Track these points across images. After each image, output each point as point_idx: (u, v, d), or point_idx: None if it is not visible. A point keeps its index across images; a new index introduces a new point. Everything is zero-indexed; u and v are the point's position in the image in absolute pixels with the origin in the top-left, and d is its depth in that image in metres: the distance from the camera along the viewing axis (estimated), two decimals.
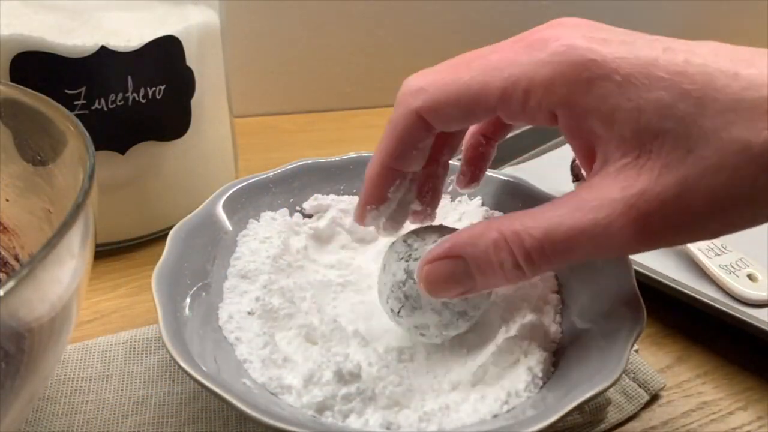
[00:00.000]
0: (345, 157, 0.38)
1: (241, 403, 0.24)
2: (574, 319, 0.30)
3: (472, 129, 0.32)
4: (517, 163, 0.49)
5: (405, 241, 0.29)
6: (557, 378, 0.28)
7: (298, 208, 0.36)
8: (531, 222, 0.24)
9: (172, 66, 0.39)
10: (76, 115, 0.26)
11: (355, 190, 0.37)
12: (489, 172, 0.37)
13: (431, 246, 0.27)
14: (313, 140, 0.58)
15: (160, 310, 0.27)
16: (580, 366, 0.27)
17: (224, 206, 0.34)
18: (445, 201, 0.36)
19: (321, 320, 0.31)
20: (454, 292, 0.26)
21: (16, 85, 0.28)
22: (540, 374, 0.27)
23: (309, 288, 0.32)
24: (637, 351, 0.35)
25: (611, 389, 0.27)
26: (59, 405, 0.30)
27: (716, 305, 0.35)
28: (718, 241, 0.39)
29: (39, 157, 0.27)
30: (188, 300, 0.29)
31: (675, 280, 0.36)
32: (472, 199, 0.37)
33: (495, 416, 0.26)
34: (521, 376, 0.27)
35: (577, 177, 0.43)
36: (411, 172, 0.29)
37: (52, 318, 0.20)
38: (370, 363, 0.28)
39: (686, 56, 0.23)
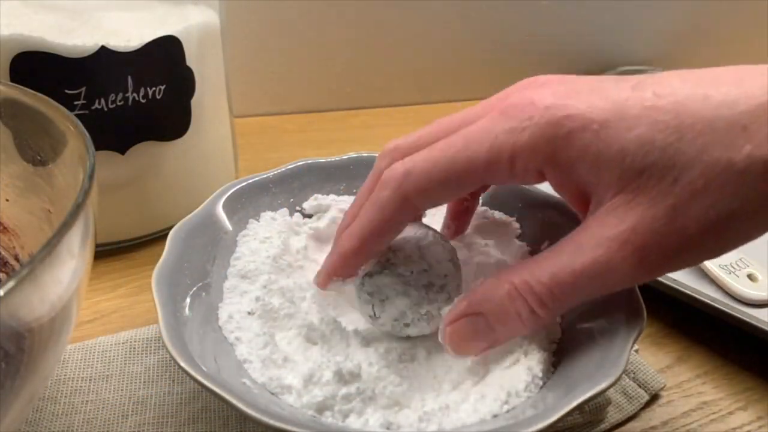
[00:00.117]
0: (345, 157, 0.38)
1: (241, 403, 0.24)
2: (574, 319, 0.30)
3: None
4: None
5: None
6: (557, 378, 0.28)
7: (298, 208, 0.36)
8: (538, 270, 0.25)
9: (172, 66, 0.39)
10: (76, 115, 0.26)
11: (354, 190, 0.37)
12: None
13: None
14: (313, 140, 0.58)
15: (160, 310, 0.27)
16: (580, 366, 0.27)
17: (224, 206, 0.34)
18: None
19: (321, 320, 0.31)
20: (480, 348, 0.27)
21: (16, 85, 0.28)
22: (540, 374, 0.27)
23: (309, 288, 0.32)
24: (637, 351, 0.35)
25: (611, 389, 0.27)
26: (59, 405, 0.30)
27: (716, 305, 0.35)
28: None
29: (39, 157, 0.27)
30: (188, 300, 0.29)
31: (675, 280, 0.36)
32: None
33: (495, 416, 0.26)
34: (521, 376, 0.27)
35: None
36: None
37: (52, 318, 0.20)
38: (370, 363, 0.28)
39: (654, 89, 0.24)
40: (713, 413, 0.32)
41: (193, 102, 0.41)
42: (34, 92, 0.27)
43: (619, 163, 0.24)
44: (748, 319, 0.34)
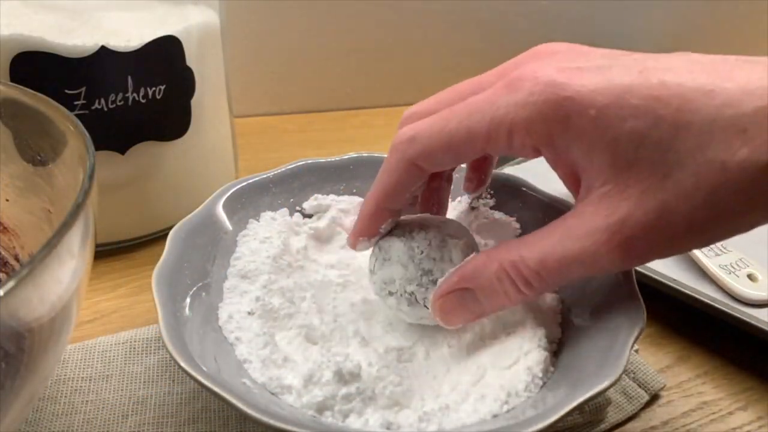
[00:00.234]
0: (345, 157, 0.38)
1: (241, 403, 0.24)
2: (574, 319, 0.30)
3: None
4: (518, 163, 0.49)
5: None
6: (557, 378, 0.28)
7: (298, 208, 0.36)
8: (526, 252, 0.26)
9: (172, 66, 0.39)
10: (76, 115, 0.26)
11: (354, 190, 0.37)
12: None
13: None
14: (313, 140, 0.58)
15: (160, 310, 0.27)
16: (580, 366, 0.27)
17: (224, 206, 0.34)
18: None
19: (321, 320, 0.31)
20: (467, 318, 0.28)
21: (16, 85, 0.28)
22: (540, 374, 0.27)
23: (309, 288, 0.32)
24: (637, 351, 0.35)
25: (611, 389, 0.27)
26: (59, 405, 0.30)
27: (716, 305, 0.35)
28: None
29: (39, 157, 0.27)
30: (188, 300, 0.29)
31: (675, 280, 0.36)
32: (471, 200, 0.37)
33: (495, 416, 0.26)
34: (521, 376, 0.27)
35: None
36: (402, 209, 0.31)
37: (52, 318, 0.20)
38: (370, 363, 0.28)
39: (661, 76, 0.24)
40: (713, 413, 0.32)
41: (193, 102, 0.41)
42: (34, 92, 0.27)
43: (611, 152, 0.24)
44: (748, 319, 0.34)
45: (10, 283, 0.17)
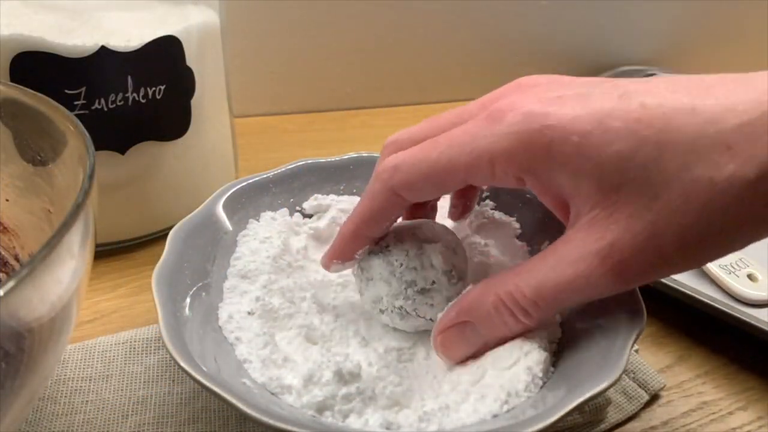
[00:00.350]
0: (345, 157, 0.38)
1: (241, 403, 0.24)
2: (574, 320, 0.30)
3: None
4: None
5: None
6: (557, 378, 0.28)
7: (298, 208, 0.36)
8: (521, 281, 0.26)
9: (172, 66, 0.39)
10: (76, 115, 0.26)
11: (354, 190, 0.37)
12: None
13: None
14: (313, 140, 0.58)
15: (160, 310, 0.27)
16: (580, 366, 0.27)
17: (224, 206, 0.34)
18: None
19: (321, 320, 0.31)
20: (469, 351, 0.28)
21: (16, 85, 0.28)
22: (540, 374, 0.27)
23: (309, 288, 0.32)
24: (637, 351, 0.35)
25: (611, 389, 0.27)
26: (59, 405, 0.30)
27: (716, 305, 0.35)
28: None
29: (39, 157, 0.27)
30: (188, 300, 0.29)
31: (675, 280, 0.36)
32: None
33: (495, 416, 0.26)
34: (521, 376, 0.27)
35: None
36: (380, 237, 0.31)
37: (52, 318, 0.20)
38: (370, 363, 0.28)
39: (642, 99, 0.24)
40: (713, 413, 0.32)
41: (193, 102, 0.41)
42: (34, 92, 0.27)
43: (597, 178, 0.24)
44: (748, 319, 0.34)
45: (10, 283, 0.17)
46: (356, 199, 0.37)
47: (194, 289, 0.30)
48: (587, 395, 0.24)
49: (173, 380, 0.31)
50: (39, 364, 0.21)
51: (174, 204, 0.42)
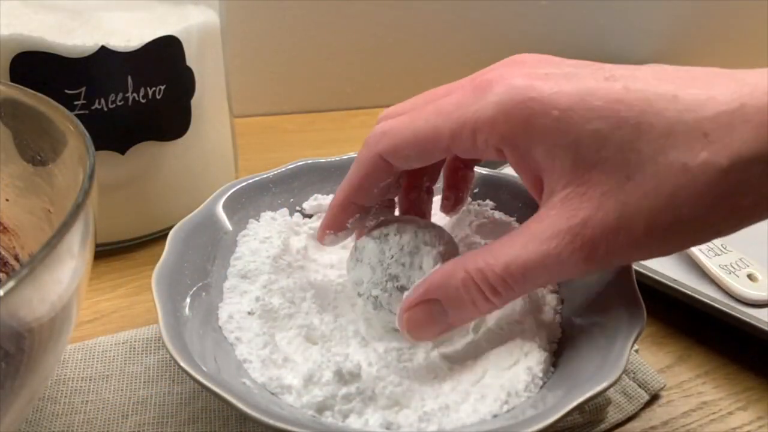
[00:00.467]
0: (345, 157, 0.38)
1: (241, 403, 0.24)
2: (574, 319, 0.30)
3: (449, 156, 0.33)
4: None
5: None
6: (557, 378, 0.28)
7: (298, 208, 0.36)
8: (492, 259, 0.26)
9: (172, 66, 0.39)
10: (76, 115, 0.26)
11: None
12: (489, 172, 0.37)
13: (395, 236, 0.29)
14: (313, 140, 0.58)
15: (160, 310, 0.27)
16: (580, 366, 0.27)
17: (224, 206, 0.34)
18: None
19: (321, 320, 0.31)
20: (434, 332, 0.28)
21: (16, 85, 0.28)
22: (540, 374, 0.27)
23: (309, 288, 0.32)
24: (637, 351, 0.35)
25: (611, 389, 0.27)
26: (59, 405, 0.30)
27: (716, 305, 0.35)
28: (718, 241, 0.39)
29: (39, 157, 0.27)
30: (188, 300, 0.29)
31: (675, 280, 0.36)
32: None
33: (495, 416, 0.26)
34: (521, 376, 0.27)
35: None
36: (371, 206, 0.31)
37: (52, 318, 0.20)
38: (370, 363, 0.28)
39: (625, 82, 0.24)
40: (713, 413, 0.32)
41: (193, 102, 0.41)
42: (34, 92, 0.27)
43: (573, 153, 0.24)
44: (748, 319, 0.34)
45: (10, 283, 0.17)
46: None
47: (194, 289, 0.30)
48: (587, 395, 0.24)
49: (173, 380, 0.31)
50: (39, 364, 0.21)
51: (174, 204, 0.42)
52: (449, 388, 0.28)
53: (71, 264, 0.21)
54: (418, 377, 0.29)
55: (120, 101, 0.37)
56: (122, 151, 0.39)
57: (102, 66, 0.36)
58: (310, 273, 0.33)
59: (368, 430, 0.26)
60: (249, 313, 0.30)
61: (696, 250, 0.39)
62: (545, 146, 0.25)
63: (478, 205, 0.36)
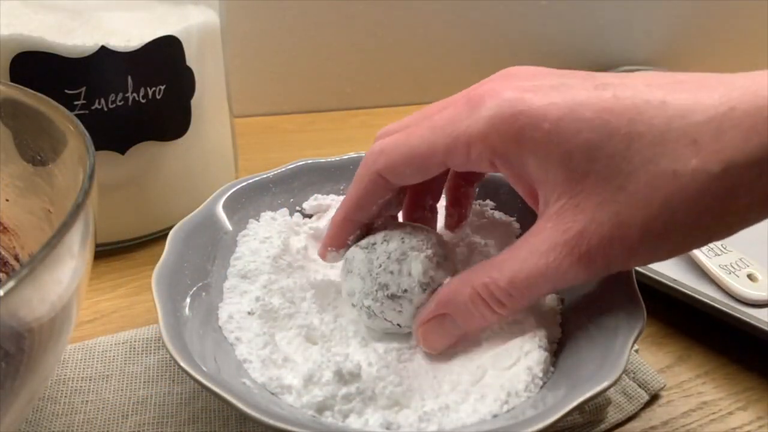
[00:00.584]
0: (345, 157, 0.38)
1: (241, 403, 0.24)
2: (573, 319, 0.30)
3: (452, 174, 0.34)
4: None
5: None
6: (557, 378, 0.28)
7: (298, 208, 0.36)
8: (496, 273, 0.27)
9: (172, 66, 0.39)
10: (76, 115, 0.26)
11: None
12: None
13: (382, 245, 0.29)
14: (313, 140, 0.58)
15: (160, 310, 0.27)
16: (580, 366, 0.27)
17: (224, 206, 0.34)
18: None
19: (321, 320, 0.31)
20: (448, 342, 0.29)
21: (16, 85, 0.28)
22: (540, 374, 0.27)
23: (309, 288, 0.32)
24: (637, 351, 0.35)
25: (611, 389, 0.27)
26: (59, 405, 0.30)
27: (716, 305, 0.35)
28: (718, 241, 0.40)
29: (39, 157, 0.27)
30: (188, 300, 0.29)
31: (675, 280, 0.36)
32: None
33: (495, 416, 0.26)
34: (521, 376, 0.27)
35: None
36: (371, 223, 0.31)
37: (52, 318, 0.20)
38: (370, 363, 0.28)
39: (615, 91, 0.24)
40: (713, 413, 0.32)
41: (193, 102, 0.41)
42: (34, 92, 0.27)
43: (565, 165, 0.25)
44: (748, 319, 0.34)
45: (10, 283, 0.17)
46: None
47: (194, 289, 0.30)
48: (587, 395, 0.24)
49: (173, 380, 0.31)
50: (39, 364, 0.21)
51: (174, 204, 0.42)
52: (449, 388, 0.28)
53: (71, 264, 0.21)
54: (418, 377, 0.29)
55: (120, 101, 0.37)
56: (122, 151, 0.39)
57: (102, 66, 0.36)
58: (310, 273, 0.33)
59: (368, 430, 0.26)
60: (249, 313, 0.30)
61: (696, 250, 0.39)
62: (537, 159, 0.25)
63: (479, 205, 0.36)
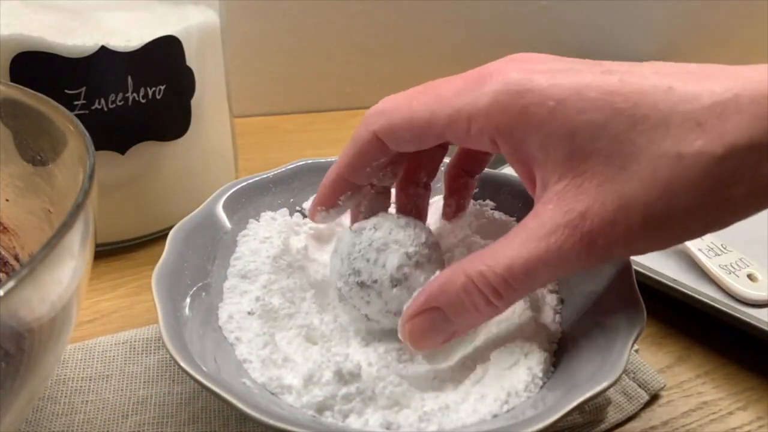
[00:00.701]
0: None
1: (241, 403, 0.24)
2: (573, 319, 0.30)
3: (452, 163, 0.33)
4: None
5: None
6: (557, 378, 0.28)
7: (298, 208, 0.36)
8: (492, 261, 0.25)
9: (172, 66, 0.39)
10: (76, 115, 0.26)
11: None
12: (489, 172, 0.37)
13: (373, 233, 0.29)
14: (313, 140, 0.58)
15: (160, 310, 0.27)
16: (580, 366, 0.27)
17: (224, 206, 0.34)
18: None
19: (321, 320, 0.31)
20: (437, 341, 0.27)
21: (16, 85, 0.28)
22: (540, 374, 0.27)
23: (309, 288, 0.32)
24: (637, 351, 0.35)
25: (611, 389, 0.27)
26: (59, 405, 0.30)
27: (716, 305, 0.35)
28: (718, 241, 0.39)
29: (39, 157, 0.27)
30: (188, 300, 0.29)
31: (675, 280, 0.36)
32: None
33: (495, 416, 0.26)
34: (521, 376, 0.27)
35: None
36: (363, 185, 0.31)
37: (52, 318, 0.20)
38: (370, 363, 0.28)
39: (621, 76, 0.24)
40: (713, 413, 0.32)
41: (193, 102, 0.41)
42: (34, 92, 0.27)
43: (568, 144, 0.24)
44: (748, 319, 0.34)
45: (10, 283, 0.17)
46: None
47: (194, 289, 0.30)
48: (587, 395, 0.24)
49: (173, 380, 0.31)
50: (39, 364, 0.21)
51: (174, 204, 0.42)
52: (449, 388, 0.28)
53: (71, 264, 0.21)
54: (418, 377, 0.29)
55: (120, 101, 0.37)
56: (122, 151, 0.39)
57: (102, 66, 0.36)
58: (310, 273, 0.33)
59: (368, 430, 0.26)
60: (249, 313, 0.30)
61: (696, 250, 0.39)
62: (540, 137, 0.25)
63: (479, 205, 0.36)
